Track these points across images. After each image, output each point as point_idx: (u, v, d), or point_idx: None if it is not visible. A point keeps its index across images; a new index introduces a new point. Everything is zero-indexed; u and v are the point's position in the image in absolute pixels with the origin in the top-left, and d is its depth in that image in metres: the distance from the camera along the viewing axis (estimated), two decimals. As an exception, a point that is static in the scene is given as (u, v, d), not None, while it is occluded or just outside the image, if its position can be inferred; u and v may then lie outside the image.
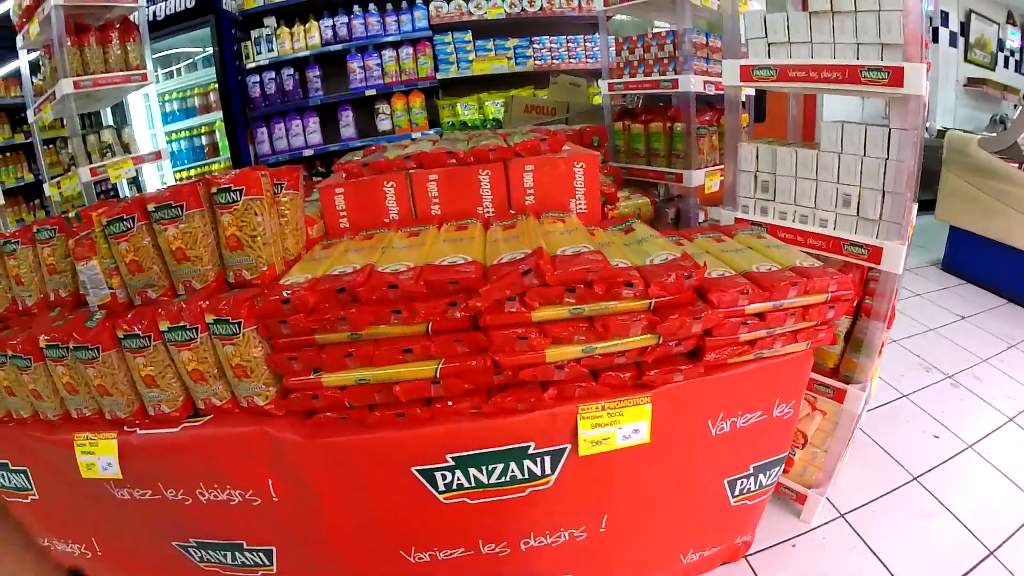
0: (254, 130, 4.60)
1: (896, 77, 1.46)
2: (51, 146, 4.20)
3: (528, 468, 1.32)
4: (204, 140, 5.13)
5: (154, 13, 4.40)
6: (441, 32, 4.47)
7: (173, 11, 4.47)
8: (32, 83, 3.32)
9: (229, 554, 1.49)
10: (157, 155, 3.32)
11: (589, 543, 1.48)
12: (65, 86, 2.64)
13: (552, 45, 4.58)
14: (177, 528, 1.47)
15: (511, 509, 1.37)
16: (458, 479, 1.32)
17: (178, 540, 1.49)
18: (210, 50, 4.56)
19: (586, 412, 1.28)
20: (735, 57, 1.83)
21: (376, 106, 4.57)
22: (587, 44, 4.62)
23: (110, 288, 1.36)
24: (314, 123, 4.61)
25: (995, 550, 1.76)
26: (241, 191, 1.29)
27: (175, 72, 5.26)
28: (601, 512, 1.46)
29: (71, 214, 1.56)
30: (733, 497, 1.57)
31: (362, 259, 1.35)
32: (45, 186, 3.34)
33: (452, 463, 1.30)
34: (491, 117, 4.48)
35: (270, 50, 4.45)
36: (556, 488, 1.36)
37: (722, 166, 2.46)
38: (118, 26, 2.87)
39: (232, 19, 4.48)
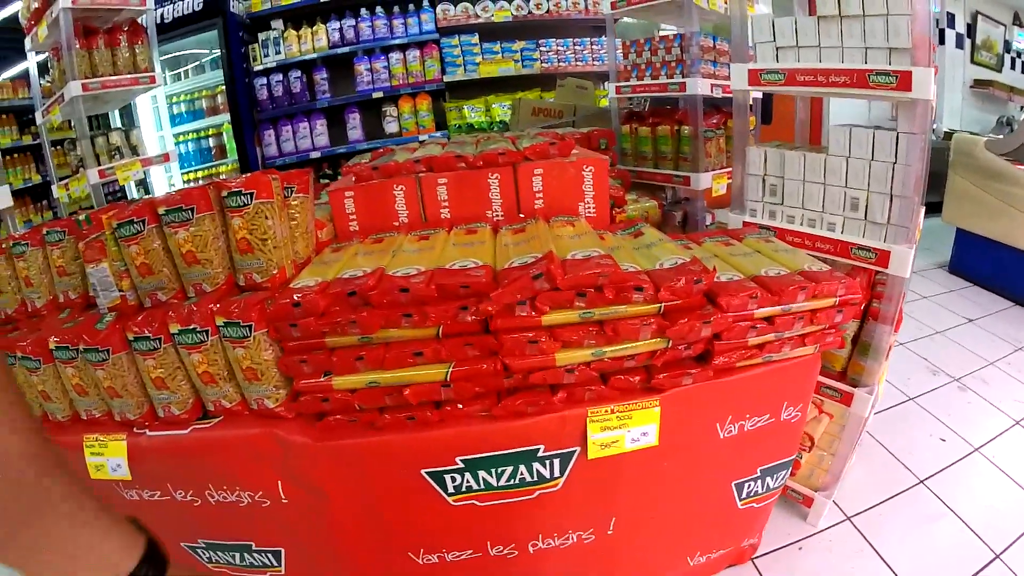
0: (261, 132, 4.62)
1: (904, 81, 1.47)
2: (59, 147, 4.23)
3: (537, 471, 1.33)
4: (212, 142, 5.15)
5: (162, 16, 4.42)
6: (448, 35, 4.48)
7: (181, 14, 4.49)
8: (40, 85, 3.34)
9: (238, 555, 1.50)
10: (165, 157, 3.34)
11: (597, 545, 1.48)
12: (74, 88, 2.66)
13: (559, 48, 4.58)
14: (186, 529, 1.47)
15: (520, 511, 1.37)
16: (467, 481, 1.32)
17: (187, 541, 1.49)
18: (218, 52, 4.58)
19: (595, 415, 1.28)
20: (743, 61, 1.84)
21: (383, 108, 4.58)
22: (594, 47, 4.62)
23: (120, 290, 1.37)
24: (321, 125, 4.63)
25: (1001, 553, 1.76)
26: (252, 195, 1.30)
27: (183, 74, 5.28)
28: (609, 514, 1.46)
29: (81, 217, 1.56)
30: (740, 500, 1.58)
31: (372, 263, 1.36)
32: (53, 188, 3.36)
33: (462, 465, 1.30)
34: (498, 119, 4.48)
35: (277, 53, 4.48)
36: (565, 491, 1.36)
37: (729, 169, 2.46)
38: (126, 29, 2.89)
39: (239, 22, 4.50)
